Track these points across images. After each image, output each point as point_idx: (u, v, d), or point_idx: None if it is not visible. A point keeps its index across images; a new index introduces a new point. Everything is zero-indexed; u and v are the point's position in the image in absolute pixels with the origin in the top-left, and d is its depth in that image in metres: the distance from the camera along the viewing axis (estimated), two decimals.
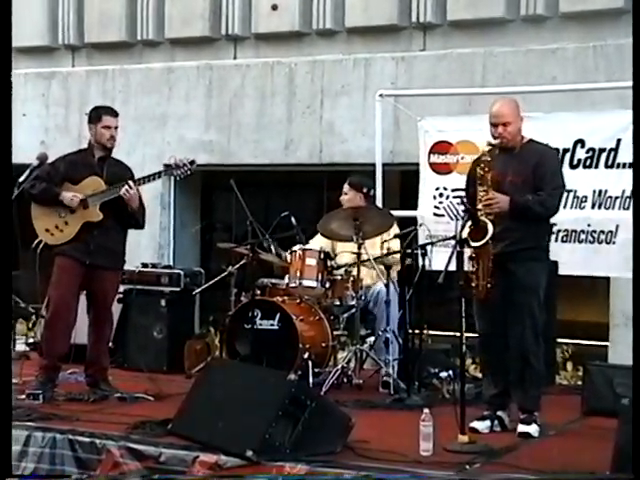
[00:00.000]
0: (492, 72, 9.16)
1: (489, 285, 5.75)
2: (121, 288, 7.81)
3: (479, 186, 5.84)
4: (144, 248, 9.87)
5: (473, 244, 5.70)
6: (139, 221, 7.01)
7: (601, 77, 8.60)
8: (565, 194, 6.80)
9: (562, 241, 7.57)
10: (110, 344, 7.40)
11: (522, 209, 5.82)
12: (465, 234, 5.72)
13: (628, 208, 7.54)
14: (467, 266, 5.80)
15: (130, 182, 6.77)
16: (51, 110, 11.02)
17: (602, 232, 7.62)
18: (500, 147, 5.90)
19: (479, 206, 5.78)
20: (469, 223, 5.75)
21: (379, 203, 8.16)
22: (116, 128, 6.92)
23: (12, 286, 4.66)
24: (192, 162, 7.03)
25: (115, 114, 6.96)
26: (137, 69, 10.79)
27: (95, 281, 6.90)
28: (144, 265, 8.63)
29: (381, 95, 8.53)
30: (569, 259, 7.52)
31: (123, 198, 6.74)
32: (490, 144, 5.88)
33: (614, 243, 7.59)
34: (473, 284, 5.78)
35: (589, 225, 7.64)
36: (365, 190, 7.75)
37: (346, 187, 7.77)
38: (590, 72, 8.75)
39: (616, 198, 7.59)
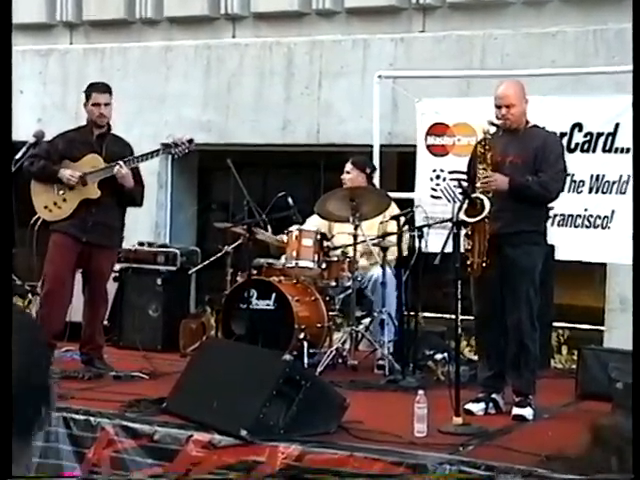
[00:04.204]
0: (491, 55, 9.14)
1: (484, 264, 5.76)
2: (117, 266, 7.81)
3: (479, 164, 5.84)
4: (141, 226, 9.85)
5: (468, 220, 5.70)
6: (136, 199, 7.00)
7: (601, 61, 8.58)
8: None
9: (558, 225, 7.56)
10: (105, 322, 7.41)
11: (521, 189, 5.82)
12: (462, 214, 5.73)
13: (625, 193, 7.53)
14: (463, 245, 5.80)
15: (121, 162, 6.74)
16: (48, 88, 10.98)
17: (598, 217, 7.61)
18: (504, 128, 5.90)
19: (477, 184, 5.78)
20: (465, 205, 5.76)
21: (376, 184, 8.15)
22: (107, 105, 6.89)
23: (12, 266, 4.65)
24: (190, 141, 7.02)
25: (104, 90, 6.93)
26: (135, 47, 10.75)
27: (91, 259, 6.89)
28: (140, 244, 8.62)
29: (379, 76, 8.51)
30: (565, 244, 7.51)
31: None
32: (493, 124, 5.87)
33: (609, 228, 7.58)
34: (468, 262, 5.79)
35: (586, 210, 7.63)
36: (368, 171, 7.76)
37: (349, 166, 7.76)
38: (590, 56, 8.73)
39: (613, 183, 7.57)
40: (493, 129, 5.88)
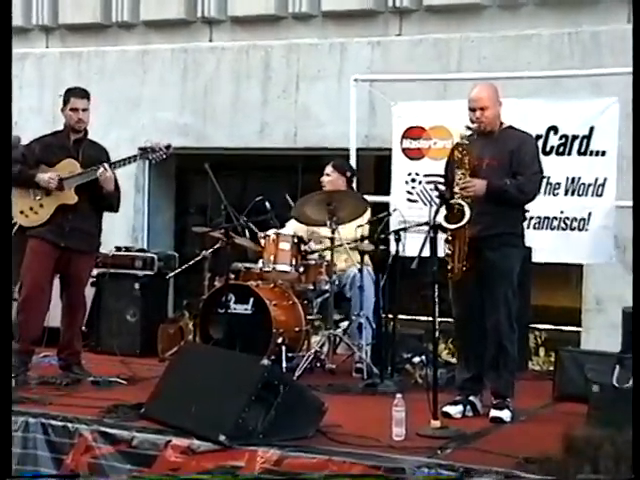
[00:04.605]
0: (467, 58, 9.18)
1: (464, 268, 5.79)
2: (94, 271, 7.79)
3: (457, 169, 5.86)
4: (118, 231, 9.84)
5: (449, 226, 5.73)
6: (113, 204, 6.99)
7: (576, 64, 8.63)
8: None
9: (534, 228, 7.59)
10: (83, 328, 7.38)
11: (499, 193, 5.85)
12: (440, 219, 5.75)
13: (601, 195, 7.58)
14: (443, 249, 5.83)
15: (105, 164, 6.75)
16: (24, 91, 10.94)
17: (575, 219, 7.65)
18: (478, 132, 5.93)
19: (456, 189, 5.81)
20: (442, 209, 5.78)
21: (354, 188, 8.16)
22: (85, 110, 6.86)
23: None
24: (168, 146, 7.01)
25: (83, 95, 6.90)
26: (112, 51, 10.74)
27: (69, 264, 6.87)
28: (118, 249, 8.60)
29: (356, 80, 8.53)
30: (541, 246, 7.54)
31: (99, 181, 6.72)
32: (468, 128, 5.90)
33: (586, 230, 7.63)
34: (449, 266, 5.82)
35: (562, 212, 7.67)
36: (348, 174, 7.78)
37: (329, 169, 7.76)
38: (565, 59, 8.78)
39: (589, 185, 7.62)
40: (469, 133, 5.91)
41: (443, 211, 5.79)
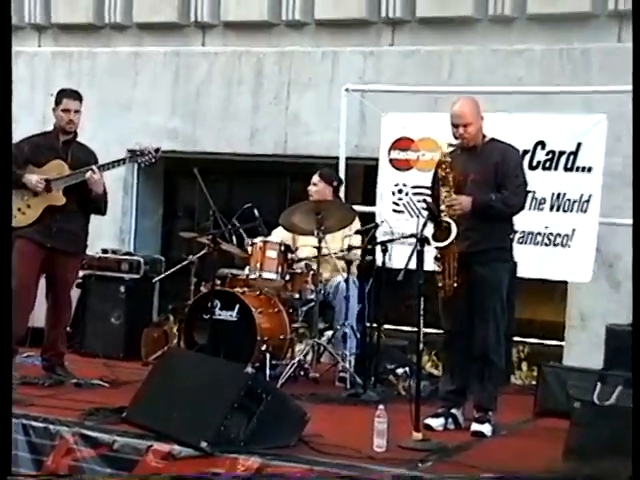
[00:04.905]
0: (459, 70, 9.20)
1: (455, 284, 5.82)
2: (80, 273, 7.78)
3: (441, 187, 5.88)
4: (105, 232, 9.82)
5: (437, 244, 5.76)
6: (101, 207, 6.99)
7: (566, 80, 8.65)
8: None
9: (518, 242, 7.59)
10: (68, 329, 7.37)
11: (485, 208, 5.87)
12: (428, 234, 5.78)
13: (586, 212, 7.60)
14: (433, 266, 5.85)
15: (94, 167, 6.75)
16: (16, 90, 10.86)
17: (559, 235, 7.66)
18: (462, 147, 5.95)
19: (442, 207, 5.83)
20: (430, 222, 5.81)
21: (342, 197, 8.18)
22: (77, 112, 6.87)
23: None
24: (157, 150, 7.01)
25: (75, 97, 6.91)
26: (104, 52, 10.73)
27: (56, 265, 6.87)
28: (104, 251, 8.60)
29: (347, 89, 8.54)
30: (525, 261, 7.56)
31: (87, 183, 6.72)
32: (451, 145, 5.93)
33: (569, 247, 7.63)
34: (440, 284, 5.85)
35: (546, 227, 7.68)
36: (335, 183, 7.80)
37: (316, 178, 7.77)
38: (556, 75, 8.81)
39: (574, 202, 7.63)
40: (451, 149, 5.93)
41: (431, 227, 5.80)
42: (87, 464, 5.44)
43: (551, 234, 7.68)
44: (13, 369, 6.77)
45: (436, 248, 5.80)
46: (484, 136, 6.05)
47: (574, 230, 7.61)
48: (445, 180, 5.87)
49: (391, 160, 8.27)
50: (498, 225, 5.99)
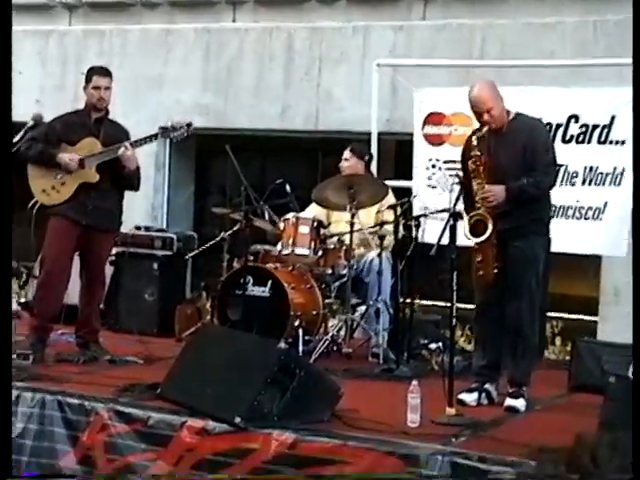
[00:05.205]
0: (491, 44, 9.14)
1: (496, 270, 5.80)
2: (113, 250, 7.80)
3: (473, 179, 5.84)
4: (137, 209, 9.85)
5: (474, 239, 5.74)
6: (134, 183, 7.00)
7: (600, 52, 8.58)
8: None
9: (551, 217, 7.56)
10: (101, 306, 7.41)
11: (518, 194, 5.82)
12: (459, 206, 5.76)
13: (619, 185, 7.53)
14: (465, 241, 5.83)
15: (127, 143, 6.76)
16: (47, 69, 10.96)
17: (590, 208, 7.61)
18: (489, 130, 5.89)
19: (476, 198, 5.79)
20: (462, 197, 5.79)
21: (374, 172, 8.16)
22: (107, 89, 6.87)
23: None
24: (189, 124, 7.00)
25: (105, 74, 6.91)
26: (135, 30, 10.74)
27: (90, 242, 6.89)
28: (137, 228, 8.63)
29: (378, 64, 8.51)
30: (556, 236, 7.51)
31: (120, 159, 6.73)
32: (477, 136, 5.85)
33: (601, 220, 7.58)
34: (480, 272, 5.83)
35: (578, 201, 7.63)
36: (367, 158, 7.77)
37: (347, 153, 7.75)
38: (589, 47, 8.73)
39: (607, 175, 7.57)
40: (477, 139, 5.86)
41: (465, 228, 5.76)
42: (122, 440, 5.48)
43: (582, 208, 7.62)
44: (48, 346, 6.90)
45: (475, 243, 5.78)
46: (508, 113, 5.98)
47: (606, 203, 7.56)
48: (476, 172, 5.83)
49: (425, 135, 8.24)
50: (533, 202, 5.94)
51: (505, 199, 5.80)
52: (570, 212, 7.65)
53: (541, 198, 5.99)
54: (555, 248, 7.40)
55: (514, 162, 5.87)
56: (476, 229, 5.75)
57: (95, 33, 10.86)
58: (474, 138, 5.87)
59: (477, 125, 6.01)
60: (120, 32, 10.75)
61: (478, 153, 5.82)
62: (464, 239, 5.88)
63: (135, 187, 7.05)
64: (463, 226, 5.75)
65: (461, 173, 6.12)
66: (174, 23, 10.60)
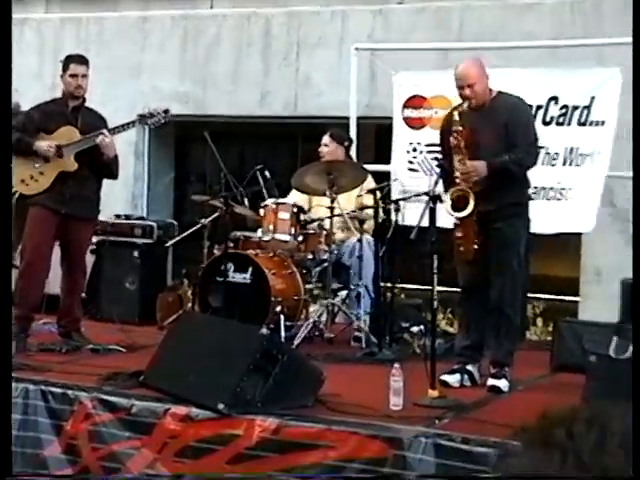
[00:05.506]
0: (469, 26, 9.13)
1: (476, 246, 5.81)
2: (94, 239, 7.80)
3: (455, 155, 5.83)
4: (117, 198, 9.83)
5: (456, 215, 5.74)
6: (113, 171, 6.99)
7: (578, 33, 8.58)
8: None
9: (530, 199, 7.57)
10: (83, 295, 7.40)
11: (499, 170, 5.83)
12: (439, 189, 5.76)
13: (596, 165, 7.54)
14: (445, 223, 5.84)
15: (105, 131, 6.74)
16: (24, 57, 10.88)
17: (571, 189, 7.63)
18: (470, 107, 5.90)
19: (456, 174, 5.79)
20: (442, 180, 5.80)
21: (353, 157, 8.15)
22: (84, 76, 6.85)
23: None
24: (166, 111, 7.00)
25: (82, 62, 6.89)
26: (112, 17, 10.68)
27: (70, 231, 6.88)
28: (117, 216, 8.62)
29: (357, 48, 8.49)
30: (537, 217, 7.52)
31: (98, 147, 6.71)
32: (459, 111, 5.85)
33: (581, 200, 7.59)
34: (461, 248, 5.84)
35: (559, 182, 7.64)
36: (346, 143, 7.76)
37: (327, 139, 7.74)
38: (567, 28, 8.73)
39: (587, 155, 7.59)
40: (458, 114, 5.87)
41: (446, 203, 5.76)
42: (106, 428, 5.48)
43: (563, 189, 7.64)
44: (30, 336, 6.88)
45: (456, 218, 5.78)
46: (491, 91, 6.00)
47: (584, 183, 7.56)
48: (458, 148, 5.83)
49: (405, 119, 8.24)
50: (515, 181, 5.96)
51: (487, 175, 5.80)
52: (552, 193, 7.66)
53: (521, 179, 6.01)
54: (537, 229, 7.44)
55: (496, 139, 5.89)
56: (458, 204, 5.76)
57: (72, 21, 10.79)
58: (455, 113, 5.87)
59: (455, 116, 6.01)
60: (97, 20, 10.69)
61: (460, 128, 5.83)
62: (444, 222, 5.89)
63: (114, 175, 7.04)
64: (445, 203, 5.75)
65: (440, 156, 6.13)
66: (150, 10, 10.55)
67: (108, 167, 6.88)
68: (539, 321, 8.95)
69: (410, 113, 8.22)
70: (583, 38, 8.39)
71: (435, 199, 5.67)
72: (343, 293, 7.50)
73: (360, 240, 7.23)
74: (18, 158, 6.75)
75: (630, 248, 8.37)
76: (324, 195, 7.20)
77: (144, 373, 5.78)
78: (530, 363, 6.71)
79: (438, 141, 6.31)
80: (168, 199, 11.12)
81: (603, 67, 7.80)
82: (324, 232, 7.36)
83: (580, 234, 8.44)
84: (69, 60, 6.92)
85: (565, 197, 7.64)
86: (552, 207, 7.62)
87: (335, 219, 7.21)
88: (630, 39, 7.42)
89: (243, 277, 7.27)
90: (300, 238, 7.39)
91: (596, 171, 7.50)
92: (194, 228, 8.01)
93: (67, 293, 7.03)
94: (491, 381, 5.93)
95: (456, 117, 5.86)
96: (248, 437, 5.07)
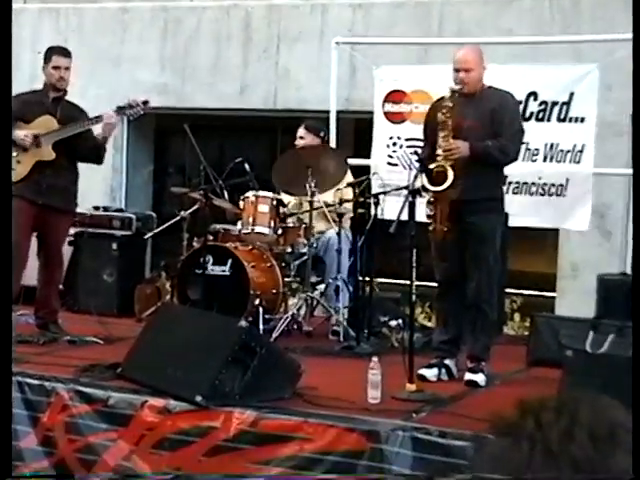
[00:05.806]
0: (448, 22, 9.15)
1: (445, 228, 5.82)
2: (72, 231, 7.77)
3: (440, 131, 5.86)
4: (96, 190, 9.81)
5: (432, 188, 5.75)
6: (101, 154, 6.97)
7: (557, 30, 8.63)
8: None
9: (513, 193, 7.61)
10: (60, 287, 7.37)
11: (481, 154, 5.86)
12: (421, 182, 5.77)
13: (579, 162, 7.59)
14: (425, 210, 5.85)
15: (111, 111, 6.76)
16: None
17: (552, 185, 7.67)
18: (461, 93, 5.93)
19: (439, 151, 5.81)
20: (421, 174, 5.81)
21: None
22: (67, 69, 6.83)
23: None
24: (145, 102, 6.98)
25: (65, 54, 6.87)
26: (91, 8, 10.64)
27: (47, 222, 6.85)
28: (96, 208, 8.59)
29: (337, 42, 8.49)
30: (519, 211, 7.56)
31: (77, 137, 6.70)
32: (452, 90, 5.90)
33: (564, 196, 7.65)
34: (430, 227, 5.84)
35: (540, 178, 7.68)
36: (322, 134, 7.76)
37: (302, 131, 7.73)
38: (546, 25, 8.77)
39: (567, 152, 7.62)
40: (450, 94, 5.91)
41: (424, 177, 5.79)
42: (83, 420, 5.47)
43: (545, 184, 7.68)
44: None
45: (432, 192, 5.78)
46: (483, 84, 6.06)
47: (568, 180, 7.61)
48: (444, 125, 5.85)
49: (385, 113, 8.25)
50: (491, 175, 6.00)
51: (468, 157, 5.83)
52: (533, 188, 7.71)
53: (500, 168, 6.05)
54: (519, 223, 7.51)
55: (481, 126, 5.93)
56: (436, 179, 5.78)
57: (50, 11, 10.75)
58: (449, 90, 5.90)
59: (446, 95, 6.03)
60: (76, 11, 10.64)
61: (450, 104, 5.86)
62: (424, 216, 5.91)
63: (101, 159, 7.03)
64: (422, 177, 5.77)
65: (420, 150, 6.15)
66: (130, 1, 10.52)
67: (98, 150, 6.87)
68: (516, 316, 9.00)
69: (390, 108, 8.23)
70: (561, 35, 8.43)
71: (415, 193, 5.69)
72: (321, 287, 7.50)
73: (339, 234, 7.24)
74: None
75: (607, 243, 8.46)
76: (305, 195, 7.18)
77: (122, 365, 5.77)
78: (507, 358, 6.74)
79: (420, 134, 6.33)
80: (147, 191, 11.10)
81: (581, 64, 7.84)
82: (303, 225, 7.36)
83: (557, 230, 8.50)
84: (51, 52, 6.89)
85: (549, 192, 7.67)
86: (536, 202, 7.66)
87: (314, 212, 7.20)
88: (608, 36, 7.49)
89: (222, 270, 7.26)
90: (279, 231, 7.39)
91: (582, 169, 7.54)
92: (173, 220, 7.99)
93: (44, 284, 7.00)
94: (468, 375, 5.96)
95: (448, 94, 5.90)
96: (225, 429, 5.08)
